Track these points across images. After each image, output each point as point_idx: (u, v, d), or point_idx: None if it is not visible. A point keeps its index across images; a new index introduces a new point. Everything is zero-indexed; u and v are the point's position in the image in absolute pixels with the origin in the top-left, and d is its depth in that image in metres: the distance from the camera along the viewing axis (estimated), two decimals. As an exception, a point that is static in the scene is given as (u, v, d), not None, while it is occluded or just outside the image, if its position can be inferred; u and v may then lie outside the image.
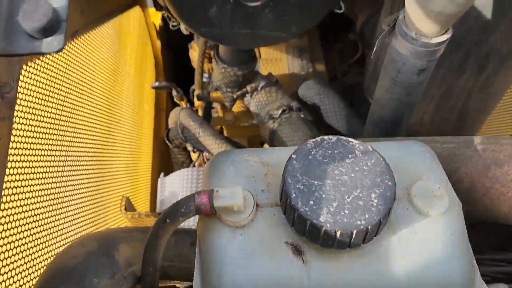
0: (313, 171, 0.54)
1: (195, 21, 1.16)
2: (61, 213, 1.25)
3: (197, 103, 1.87)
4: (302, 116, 1.33)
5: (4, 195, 0.91)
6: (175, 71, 2.66)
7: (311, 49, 1.87)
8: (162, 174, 1.47)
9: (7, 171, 0.92)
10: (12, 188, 0.95)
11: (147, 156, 1.96)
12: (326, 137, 0.57)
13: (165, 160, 1.96)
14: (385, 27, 0.86)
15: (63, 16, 0.44)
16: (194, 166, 1.68)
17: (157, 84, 1.55)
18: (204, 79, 2.19)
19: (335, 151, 0.55)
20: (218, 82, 1.50)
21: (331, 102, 1.38)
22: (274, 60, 1.83)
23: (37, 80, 1.08)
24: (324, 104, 1.39)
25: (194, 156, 1.66)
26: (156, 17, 2.21)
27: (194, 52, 2.21)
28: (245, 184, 0.60)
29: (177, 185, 1.41)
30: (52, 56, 1.15)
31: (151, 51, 2.36)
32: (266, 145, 1.66)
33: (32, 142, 1.07)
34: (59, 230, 1.22)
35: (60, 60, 1.21)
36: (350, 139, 0.57)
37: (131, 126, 1.84)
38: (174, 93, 1.56)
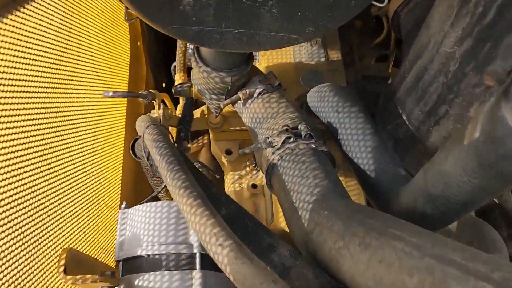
0: None
1: (159, 17, 0.76)
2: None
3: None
4: (313, 147, 0.95)
5: None
6: (156, 36, 2.21)
7: (323, 29, 1.45)
8: (124, 205, 1.10)
9: None
10: None
11: (115, 162, 1.57)
12: None
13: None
14: (489, 83, 0.47)
15: None
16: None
17: (110, 93, 1.11)
18: (190, 50, 1.79)
19: None
20: (199, 86, 1.11)
21: (355, 127, 0.99)
22: (276, 44, 1.41)
23: None
24: (344, 128, 1.00)
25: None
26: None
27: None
28: None
29: (140, 224, 1.05)
30: None
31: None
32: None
33: None
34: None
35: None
36: None
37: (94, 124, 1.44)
38: (140, 99, 1.16)
